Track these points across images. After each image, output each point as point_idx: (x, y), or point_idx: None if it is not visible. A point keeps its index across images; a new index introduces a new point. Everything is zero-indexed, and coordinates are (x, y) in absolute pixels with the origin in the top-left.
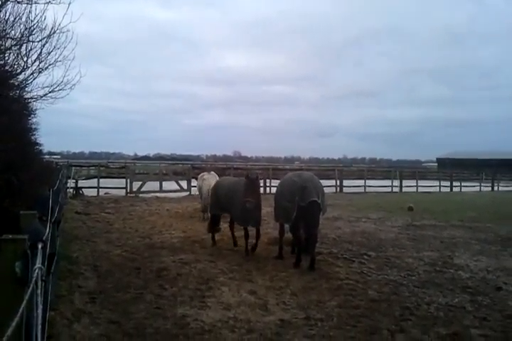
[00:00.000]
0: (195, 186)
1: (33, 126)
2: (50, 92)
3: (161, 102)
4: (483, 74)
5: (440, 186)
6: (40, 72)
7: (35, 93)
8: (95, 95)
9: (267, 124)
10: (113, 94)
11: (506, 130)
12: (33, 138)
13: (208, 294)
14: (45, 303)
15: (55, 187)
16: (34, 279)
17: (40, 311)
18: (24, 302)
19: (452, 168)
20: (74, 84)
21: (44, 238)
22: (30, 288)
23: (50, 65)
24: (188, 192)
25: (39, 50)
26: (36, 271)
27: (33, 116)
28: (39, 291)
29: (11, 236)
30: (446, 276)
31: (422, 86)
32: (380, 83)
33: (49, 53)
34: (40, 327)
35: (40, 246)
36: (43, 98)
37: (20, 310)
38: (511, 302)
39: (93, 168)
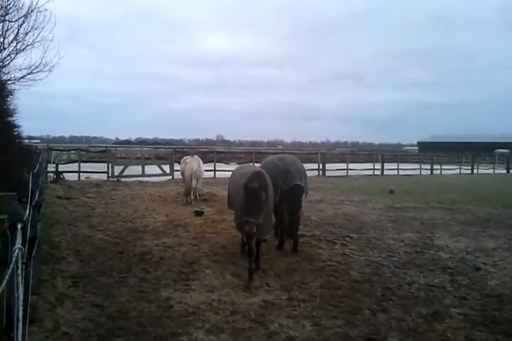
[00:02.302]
0: (178, 170)
1: (12, 108)
2: (28, 74)
3: (142, 85)
4: (464, 57)
5: (421, 169)
6: (17, 53)
7: (13, 75)
8: (75, 78)
9: (250, 108)
10: (93, 77)
11: (487, 113)
12: (11, 119)
13: (191, 277)
14: (26, 287)
15: (35, 171)
16: (14, 260)
17: (20, 292)
18: (4, 282)
19: (433, 151)
20: (53, 66)
21: (24, 219)
22: (10, 269)
23: (27, 45)
24: (171, 176)
25: (16, 30)
26: (16, 251)
27: (11, 97)
28: (19, 272)
29: None
30: (426, 257)
31: (404, 69)
32: (363, 66)
33: (26, 34)
34: (21, 309)
35: (19, 226)
36: (21, 80)
37: (0, 290)
38: (490, 281)
39: (74, 152)
